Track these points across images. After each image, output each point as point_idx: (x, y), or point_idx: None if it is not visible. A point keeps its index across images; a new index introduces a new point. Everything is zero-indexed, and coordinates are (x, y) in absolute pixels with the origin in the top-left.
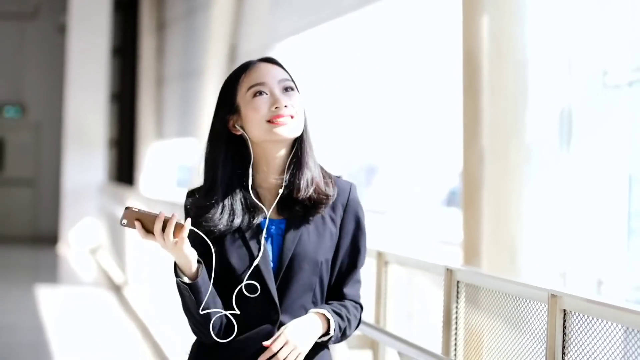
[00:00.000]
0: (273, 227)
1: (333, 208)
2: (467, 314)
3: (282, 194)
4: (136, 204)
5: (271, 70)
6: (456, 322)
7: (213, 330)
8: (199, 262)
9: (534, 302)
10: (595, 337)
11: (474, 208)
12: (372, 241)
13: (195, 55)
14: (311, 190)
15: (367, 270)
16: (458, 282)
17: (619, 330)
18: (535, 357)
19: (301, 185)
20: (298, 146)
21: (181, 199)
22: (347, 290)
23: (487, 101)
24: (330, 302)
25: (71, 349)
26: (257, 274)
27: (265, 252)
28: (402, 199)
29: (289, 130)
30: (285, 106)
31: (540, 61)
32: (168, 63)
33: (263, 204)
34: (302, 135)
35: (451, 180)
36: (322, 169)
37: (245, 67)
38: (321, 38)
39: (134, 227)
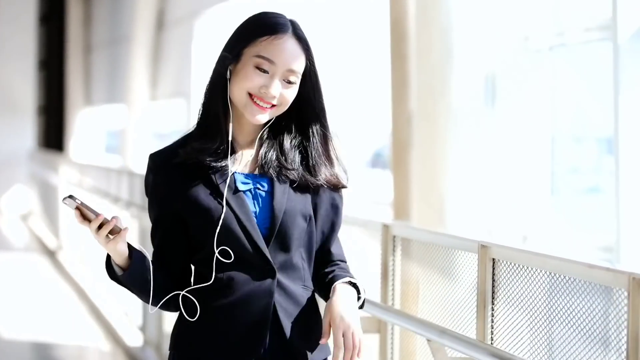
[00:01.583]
0: (249, 182)
1: None
2: (403, 265)
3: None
4: (79, 195)
5: (291, 54)
6: (393, 274)
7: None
8: (131, 255)
9: (465, 253)
10: (522, 283)
11: (403, 168)
12: None
13: (123, 22)
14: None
15: None
16: (394, 236)
17: (545, 276)
18: (467, 303)
19: (273, 162)
20: (306, 145)
21: (110, 164)
22: (334, 249)
23: (415, 66)
24: (329, 266)
25: (8, 312)
26: (240, 232)
27: (244, 205)
28: None
29: (262, 117)
30: (274, 96)
31: (465, 27)
32: (96, 30)
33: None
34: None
35: (374, 142)
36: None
37: (274, 31)
38: (249, 5)
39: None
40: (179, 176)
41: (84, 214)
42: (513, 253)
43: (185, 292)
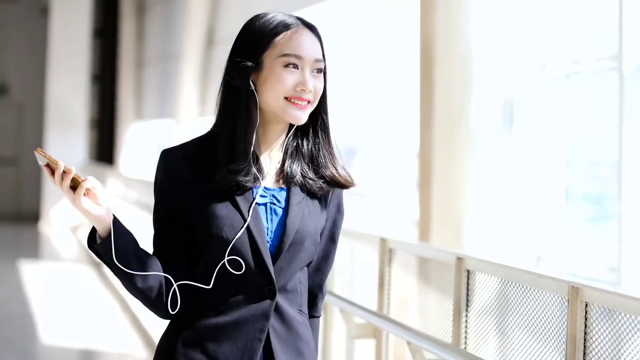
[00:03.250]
0: (267, 195)
1: None
2: (397, 276)
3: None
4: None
5: (312, 44)
6: (389, 284)
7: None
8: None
9: (444, 265)
10: (493, 291)
11: (427, 190)
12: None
13: (174, 38)
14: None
15: None
16: (390, 249)
17: (515, 285)
18: (445, 310)
19: (298, 173)
20: (308, 137)
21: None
22: (323, 279)
23: (439, 91)
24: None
25: (55, 320)
26: (248, 246)
27: (258, 220)
28: (378, 181)
29: (303, 116)
30: (311, 91)
31: (485, 55)
32: (148, 46)
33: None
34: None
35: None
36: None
37: (287, 26)
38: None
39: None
40: (195, 177)
41: (54, 170)
42: (484, 264)
43: (179, 284)
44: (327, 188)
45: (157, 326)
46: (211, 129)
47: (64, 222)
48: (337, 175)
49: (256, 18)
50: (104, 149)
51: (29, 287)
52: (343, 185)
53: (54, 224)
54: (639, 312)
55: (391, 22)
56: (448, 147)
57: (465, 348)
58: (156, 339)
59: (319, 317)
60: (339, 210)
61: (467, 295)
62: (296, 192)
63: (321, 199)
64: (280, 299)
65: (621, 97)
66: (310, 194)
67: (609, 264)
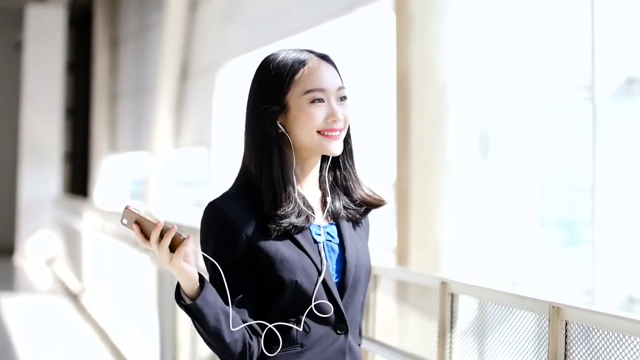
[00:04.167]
0: (321, 233)
1: None
2: (382, 300)
3: (328, 201)
4: (135, 206)
5: (331, 74)
6: (374, 309)
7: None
8: (202, 281)
9: (429, 289)
10: (476, 312)
11: (404, 216)
12: None
13: (148, 72)
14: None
15: None
16: (375, 275)
17: (495, 307)
18: (429, 331)
19: (341, 207)
20: (339, 166)
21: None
22: (362, 321)
23: (415, 120)
24: None
25: (34, 352)
26: (322, 288)
27: (327, 264)
28: None
29: (339, 146)
30: (341, 119)
31: (460, 85)
32: (121, 79)
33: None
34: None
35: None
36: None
37: (304, 62)
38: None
39: (132, 228)
40: (250, 224)
41: (144, 230)
42: (468, 288)
43: (272, 326)
44: (363, 212)
45: (138, 356)
46: (240, 174)
47: (39, 254)
48: (366, 197)
49: (268, 61)
50: (78, 182)
51: (6, 320)
52: (376, 205)
53: (29, 257)
54: (615, 328)
55: (368, 53)
56: (425, 176)
57: None
58: None
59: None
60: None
61: (452, 317)
62: (345, 225)
63: (362, 226)
64: (349, 334)
65: (594, 125)
66: (355, 223)
67: (583, 287)
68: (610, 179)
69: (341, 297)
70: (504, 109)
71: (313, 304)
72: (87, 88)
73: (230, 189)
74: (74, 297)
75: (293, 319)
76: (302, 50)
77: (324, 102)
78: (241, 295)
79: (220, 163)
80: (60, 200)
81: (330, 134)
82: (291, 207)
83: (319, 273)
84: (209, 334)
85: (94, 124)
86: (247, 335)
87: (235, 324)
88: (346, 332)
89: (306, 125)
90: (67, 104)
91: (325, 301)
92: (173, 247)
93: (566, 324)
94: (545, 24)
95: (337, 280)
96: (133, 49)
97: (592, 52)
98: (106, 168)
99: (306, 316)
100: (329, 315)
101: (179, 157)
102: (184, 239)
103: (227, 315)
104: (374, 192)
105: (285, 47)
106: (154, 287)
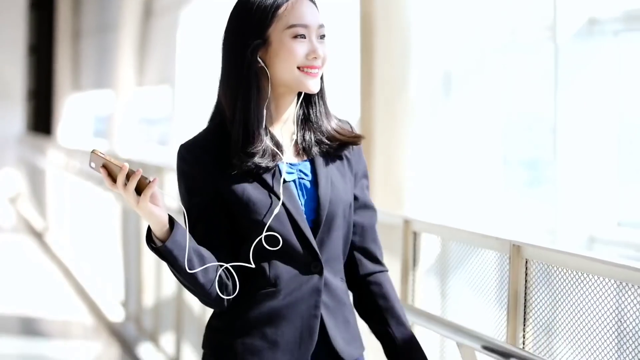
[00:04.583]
0: (294, 171)
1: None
2: None
3: (298, 139)
4: (101, 149)
5: (313, 12)
6: None
7: (220, 291)
8: (173, 223)
9: (392, 228)
10: (438, 251)
11: (367, 155)
12: None
13: (112, 9)
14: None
15: None
16: None
17: (458, 245)
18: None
19: (313, 142)
20: (312, 102)
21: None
22: (376, 249)
23: (379, 61)
24: (379, 299)
25: None
26: (288, 225)
27: (293, 197)
28: None
29: (316, 84)
30: (321, 57)
31: (424, 25)
32: (85, 17)
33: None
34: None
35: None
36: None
37: None
38: None
39: (100, 172)
40: (218, 166)
41: (111, 173)
42: (430, 226)
43: (227, 267)
44: (337, 148)
45: (102, 293)
46: (212, 116)
47: (2, 193)
48: (337, 132)
49: None
50: (42, 120)
51: None
52: (350, 141)
53: None
54: (574, 267)
55: None
56: (388, 116)
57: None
58: (101, 305)
59: (387, 270)
60: (366, 176)
61: (414, 255)
62: (320, 162)
63: (343, 160)
64: (326, 271)
65: (556, 65)
66: (332, 159)
67: (546, 226)
68: (572, 119)
69: (315, 234)
70: (468, 49)
71: (263, 234)
72: (50, 26)
73: (201, 131)
74: (38, 236)
75: (265, 260)
76: None
77: (305, 38)
78: (215, 236)
79: (183, 101)
80: (23, 139)
81: (310, 70)
82: (259, 147)
83: (286, 209)
84: (183, 276)
85: (57, 62)
86: (223, 275)
87: (208, 263)
88: (320, 270)
89: (287, 60)
90: (30, 42)
91: (273, 233)
92: (140, 190)
93: (526, 262)
94: None
95: (311, 217)
96: None
97: None
98: (70, 106)
99: (276, 256)
100: (277, 247)
101: (142, 95)
102: (150, 182)
103: (200, 256)
104: (346, 128)
105: None
106: (118, 225)
